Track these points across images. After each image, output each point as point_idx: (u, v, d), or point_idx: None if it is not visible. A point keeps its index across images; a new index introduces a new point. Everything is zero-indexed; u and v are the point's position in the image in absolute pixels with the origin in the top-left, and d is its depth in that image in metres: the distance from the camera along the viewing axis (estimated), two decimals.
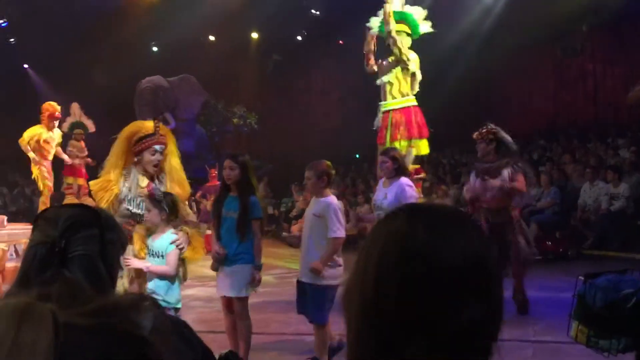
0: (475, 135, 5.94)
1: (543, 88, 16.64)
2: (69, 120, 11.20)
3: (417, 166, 6.43)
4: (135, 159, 4.26)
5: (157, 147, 4.25)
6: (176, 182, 4.46)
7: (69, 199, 10.08)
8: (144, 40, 16.38)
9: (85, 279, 1.29)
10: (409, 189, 4.96)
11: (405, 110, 6.70)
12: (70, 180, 10.59)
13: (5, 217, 8.06)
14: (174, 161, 4.53)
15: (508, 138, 5.88)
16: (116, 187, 4.21)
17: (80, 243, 1.33)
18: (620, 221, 8.76)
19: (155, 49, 17.04)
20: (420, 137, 6.81)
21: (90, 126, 11.25)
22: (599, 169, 10.03)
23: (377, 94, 17.76)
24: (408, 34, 6.82)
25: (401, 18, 6.76)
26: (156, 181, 4.32)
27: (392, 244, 0.89)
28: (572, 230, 9.62)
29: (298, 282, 4.49)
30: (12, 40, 16.19)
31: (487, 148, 5.78)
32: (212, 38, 17.05)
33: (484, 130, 5.83)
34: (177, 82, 14.91)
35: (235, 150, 15.36)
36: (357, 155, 16.40)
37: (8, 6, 15.12)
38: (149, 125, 4.40)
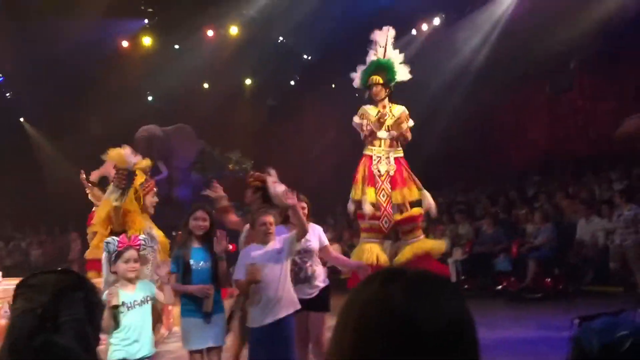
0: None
1: (536, 123, 16.78)
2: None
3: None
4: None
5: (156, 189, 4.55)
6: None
7: None
8: (140, 90, 16.55)
9: (76, 344, 1.29)
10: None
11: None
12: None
13: (0, 272, 7.99)
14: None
15: (278, 189, 5.34)
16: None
17: (68, 307, 1.33)
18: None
19: (150, 98, 17.21)
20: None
21: None
22: (593, 204, 10.05)
23: None
24: (382, 84, 6.22)
25: (378, 67, 6.28)
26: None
27: (369, 310, 0.89)
28: (570, 267, 9.58)
29: (257, 329, 4.38)
30: (7, 94, 16.35)
31: (252, 196, 5.25)
32: (206, 85, 17.25)
33: (251, 177, 5.30)
34: (172, 131, 15.02)
35: (232, 195, 15.38)
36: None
37: (4, 61, 15.33)
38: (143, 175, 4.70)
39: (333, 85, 18.32)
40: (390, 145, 6.18)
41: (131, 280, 3.97)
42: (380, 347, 0.85)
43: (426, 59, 15.21)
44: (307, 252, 4.87)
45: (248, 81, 17.80)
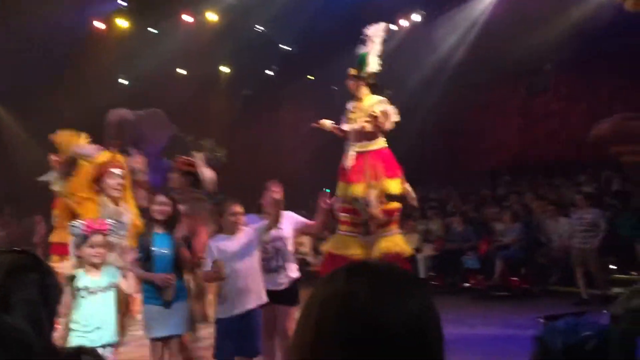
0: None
1: (510, 124, 16.95)
2: None
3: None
4: (98, 188, 4.47)
5: (114, 170, 4.46)
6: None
7: None
8: (113, 73, 16.27)
9: (27, 325, 1.24)
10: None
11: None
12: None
13: None
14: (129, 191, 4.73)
15: (208, 174, 5.30)
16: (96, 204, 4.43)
17: (21, 288, 1.29)
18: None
19: (124, 81, 16.94)
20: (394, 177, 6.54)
21: None
22: (562, 206, 10.18)
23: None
24: (355, 76, 6.21)
25: (358, 60, 6.25)
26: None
27: (330, 306, 0.86)
28: (537, 266, 9.71)
29: (225, 320, 4.40)
30: None
31: (180, 180, 5.25)
32: (182, 71, 17.04)
33: (180, 160, 5.22)
34: (144, 115, 14.82)
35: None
36: (328, 190, 16.39)
37: None
38: (106, 154, 4.61)
39: (311, 78, 18.27)
40: (356, 140, 6.07)
41: (96, 266, 3.90)
42: (340, 345, 0.83)
43: (405, 54, 15.27)
44: (279, 240, 4.83)
45: (225, 69, 17.63)
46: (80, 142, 5.15)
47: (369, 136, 6.11)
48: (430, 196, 14.68)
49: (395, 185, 6.08)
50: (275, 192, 4.45)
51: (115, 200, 4.51)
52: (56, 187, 5.27)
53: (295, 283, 4.96)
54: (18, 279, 1.31)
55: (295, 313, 4.87)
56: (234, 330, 4.37)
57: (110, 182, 4.46)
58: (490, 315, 7.92)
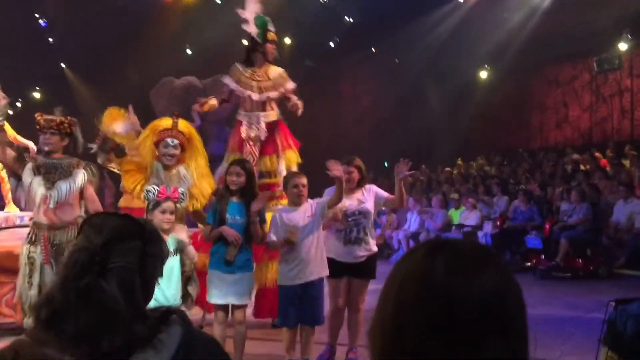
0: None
1: (579, 101, 16.39)
2: None
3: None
4: (157, 152, 4.60)
5: (169, 140, 4.55)
6: (203, 177, 4.77)
7: None
8: (178, 43, 16.56)
9: (119, 292, 1.29)
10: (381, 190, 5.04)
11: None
12: None
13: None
14: (199, 159, 4.80)
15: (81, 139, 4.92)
16: (146, 172, 4.55)
17: (120, 255, 1.33)
18: None
19: (189, 51, 17.21)
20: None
21: None
22: (633, 187, 9.81)
23: (407, 103, 17.63)
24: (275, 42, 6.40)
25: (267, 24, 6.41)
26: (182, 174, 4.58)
27: (410, 283, 0.88)
28: (603, 248, 9.42)
29: (287, 287, 4.49)
30: (50, 39, 16.51)
31: (57, 141, 4.67)
32: (245, 42, 17.16)
33: (59, 120, 4.70)
34: (210, 83, 15.01)
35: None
36: (386, 164, 16.32)
37: (47, 7, 15.45)
38: (168, 121, 4.70)
39: (373, 49, 18.08)
40: (263, 109, 6.03)
41: (165, 232, 4.01)
42: (419, 321, 0.84)
43: (471, 27, 14.90)
44: (360, 214, 4.80)
45: (287, 40, 17.65)
46: (117, 120, 5.25)
47: (272, 106, 6.07)
48: (492, 173, 14.41)
49: (295, 157, 6.11)
50: (335, 169, 4.43)
51: (169, 168, 4.63)
52: (99, 160, 5.46)
53: (373, 257, 4.91)
54: (120, 245, 1.35)
55: (370, 286, 4.88)
56: (297, 297, 4.45)
57: (163, 150, 4.58)
58: (552, 296, 7.76)
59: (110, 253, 1.32)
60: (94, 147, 5.28)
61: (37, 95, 17.12)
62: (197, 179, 4.76)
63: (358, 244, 4.76)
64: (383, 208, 5.70)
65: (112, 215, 1.47)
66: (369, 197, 4.87)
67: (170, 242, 4.03)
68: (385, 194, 5.02)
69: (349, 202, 4.78)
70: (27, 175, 4.62)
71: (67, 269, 1.34)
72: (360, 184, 4.90)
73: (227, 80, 6.17)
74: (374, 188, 5.01)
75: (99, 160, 5.47)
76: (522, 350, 0.86)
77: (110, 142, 5.13)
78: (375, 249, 4.95)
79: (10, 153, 5.06)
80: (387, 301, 0.90)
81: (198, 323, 5.62)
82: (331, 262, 4.67)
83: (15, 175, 5.09)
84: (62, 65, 17.76)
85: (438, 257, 0.89)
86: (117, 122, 5.22)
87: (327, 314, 4.80)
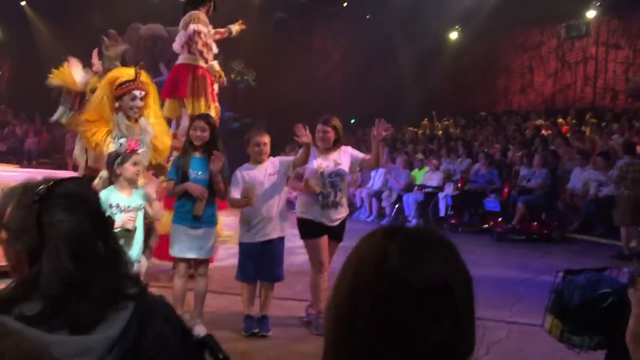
0: None
1: (545, 68, 16.58)
2: None
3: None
4: (117, 104, 4.51)
5: (136, 92, 4.48)
6: (162, 132, 4.73)
7: None
8: None
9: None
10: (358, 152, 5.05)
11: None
12: None
13: None
14: (157, 110, 4.76)
15: None
16: (108, 126, 4.47)
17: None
18: (607, 208, 8.82)
19: None
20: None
21: None
22: (590, 155, 10.05)
23: (376, 61, 17.45)
24: None
25: None
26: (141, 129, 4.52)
27: (366, 263, 0.91)
28: (558, 213, 9.70)
29: (247, 244, 4.54)
30: None
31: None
32: None
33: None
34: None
35: (230, 105, 15.27)
36: (353, 121, 16.33)
37: None
38: (129, 71, 4.60)
39: (344, 4, 17.85)
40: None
41: (132, 184, 3.97)
42: (373, 302, 0.88)
43: None
44: (337, 176, 4.75)
45: None
46: (75, 74, 5.16)
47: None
48: (456, 134, 14.57)
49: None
50: (303, 135, 4.38)
51: (132, 120, 4.56)
52: (63, 120, 5.36)
53: (344, 221, 4.90)
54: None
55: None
56: (257, 254, 4.50)
57: (130, 103, 4.49)
58: (506, 257, 8.01)
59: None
60: (60, 109, 5.19)
61: None
62: (157, 131, 4.72)
63: (335, 207, 4.73)
64: (358, 170, 5.63)
65: (64, 180, 1.35)
66: (344, 158, 4.81)
67: (134, 196, 3.99)
68: (360, 155, 4.98)
69: (325, 164, 4.73)
70: None
71: (72, 242, 1.26)
72: (336, 145, 4.82)
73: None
74: (349, 149, 4.95)
75: (64, 121, 5.36)
76: (469, 334, 0.91)
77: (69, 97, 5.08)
78: (347, 210, 4.97)
79: None
80: (344, 279, 0.93)
81: (169, 274, 5.63)
82: (310, 223, 4.68)
83: None
84: (22, 3, 17.09)
85: (393, 242, 0.92)
86: (74, 73, 5.13)
87: (311, 276, 4.76)
